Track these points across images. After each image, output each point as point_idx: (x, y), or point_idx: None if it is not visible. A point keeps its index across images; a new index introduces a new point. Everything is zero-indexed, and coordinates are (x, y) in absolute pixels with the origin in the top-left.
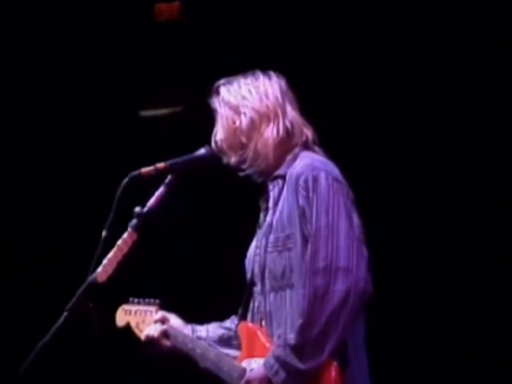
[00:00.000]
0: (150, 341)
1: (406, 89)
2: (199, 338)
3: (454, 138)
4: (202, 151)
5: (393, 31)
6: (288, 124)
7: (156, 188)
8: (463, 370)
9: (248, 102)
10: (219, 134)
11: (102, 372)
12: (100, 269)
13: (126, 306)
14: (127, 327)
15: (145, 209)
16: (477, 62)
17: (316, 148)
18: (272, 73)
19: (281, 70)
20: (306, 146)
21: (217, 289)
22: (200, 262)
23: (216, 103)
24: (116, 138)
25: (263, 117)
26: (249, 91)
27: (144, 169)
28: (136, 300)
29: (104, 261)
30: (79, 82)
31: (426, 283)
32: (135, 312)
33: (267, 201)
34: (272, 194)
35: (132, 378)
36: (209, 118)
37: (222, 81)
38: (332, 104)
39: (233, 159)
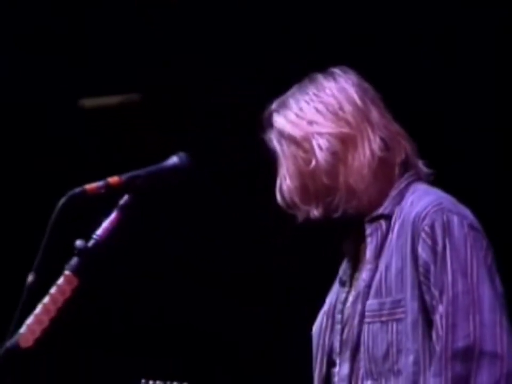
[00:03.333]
0: None
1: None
2: None
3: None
4: (174, 160)
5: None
6: (383, 135)
7: (106, 212)
8: None
9: (320, 126)
10: (288, 183)
11: None
12: (23, 330)
13: None
14: None
15: (91, 243)
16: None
17: (425, 170)
18: (336, 71)
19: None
20: (407, 166)
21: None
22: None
23: (273, 140)
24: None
25: (347, 141)
26: (317, 110)
27: (90, 186)
28: (151, 382)
29: (30, 319)
30: None
31: None
32: None
33: (364, 251)
34: (374, 241)
35: None
36: (176, 109)
37: (273, 105)
38: None
39: (317, 212)
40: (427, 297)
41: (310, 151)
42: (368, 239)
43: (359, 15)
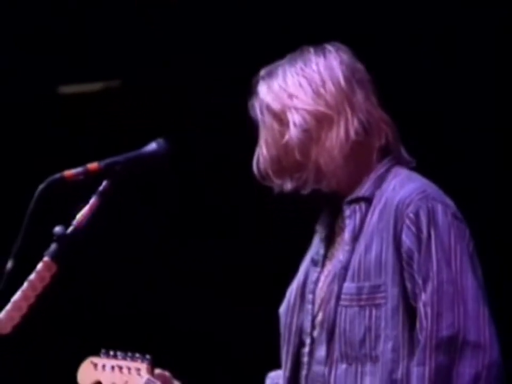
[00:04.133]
0: None
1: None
2: None
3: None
4: (153, 146)
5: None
6: (362, 119)
7: (85, 198)
8: None
9: (299, 102)
10: (264, 152)
11: None
12: (2, 316)
13: (96, 359)
14: None
15: (70, 229)
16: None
17: (407, 157)
18: (329, 47)
19: None
20: (387, 151)
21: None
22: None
23: (256, 108)
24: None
25: (322, 121)
26: (300, 84)
27: (69, 172)
28: (112, 353)
29: (9, 305)
30: None
31: None
32: (112, 368)
33: (341, 231)
34: (353, 223)
35: None
36: (155, 97)
37: (262, 72)
38: None
39: (288, 185)
40: (408, 284)
41: (285, 125)
42: (347, 221)
43: (359, 15)
